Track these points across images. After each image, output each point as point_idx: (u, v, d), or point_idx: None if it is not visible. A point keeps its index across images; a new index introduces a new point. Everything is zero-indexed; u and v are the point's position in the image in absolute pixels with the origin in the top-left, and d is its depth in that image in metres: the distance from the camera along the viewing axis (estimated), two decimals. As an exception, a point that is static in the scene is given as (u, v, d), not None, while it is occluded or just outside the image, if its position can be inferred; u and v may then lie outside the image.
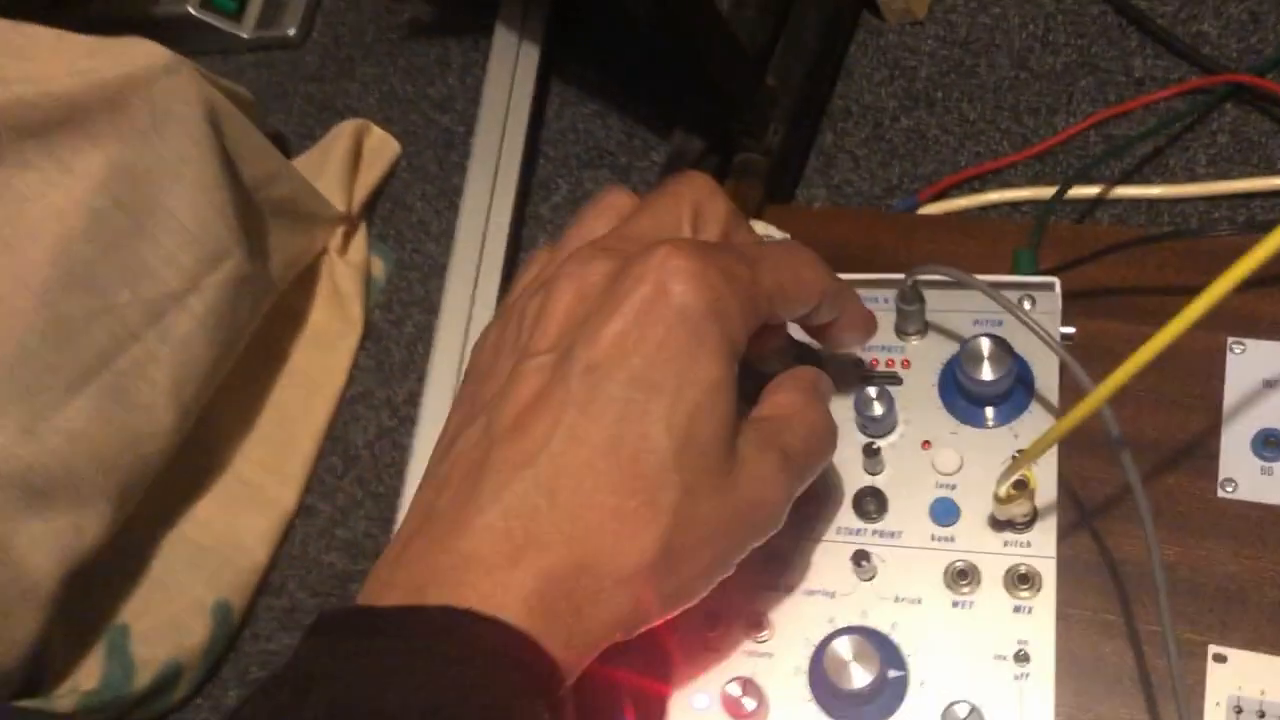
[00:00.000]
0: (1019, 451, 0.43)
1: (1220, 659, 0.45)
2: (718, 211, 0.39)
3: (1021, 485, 0.40)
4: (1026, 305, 0.46)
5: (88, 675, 0.63)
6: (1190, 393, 0.50)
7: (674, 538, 0.33)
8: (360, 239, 0.76)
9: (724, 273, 0.34)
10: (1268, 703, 0.44)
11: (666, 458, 0.32)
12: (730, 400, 0.34)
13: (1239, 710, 0.44)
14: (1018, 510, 0.42)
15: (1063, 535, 0.48)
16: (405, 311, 0.75)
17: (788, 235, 0.56)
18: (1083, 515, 0.49)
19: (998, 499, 0.41)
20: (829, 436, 0.39)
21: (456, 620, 0.30)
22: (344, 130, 0.78)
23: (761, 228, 0.56)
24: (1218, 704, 0.44)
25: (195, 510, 0.69)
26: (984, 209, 0.66)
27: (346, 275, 0.74)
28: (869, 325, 0.43)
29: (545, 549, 0.31)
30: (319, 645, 0.31)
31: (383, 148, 0.79)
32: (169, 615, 0.66)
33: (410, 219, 0.78)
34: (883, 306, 0.48)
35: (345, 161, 0.76)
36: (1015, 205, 0.66)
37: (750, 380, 0.39)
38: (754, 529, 0.36)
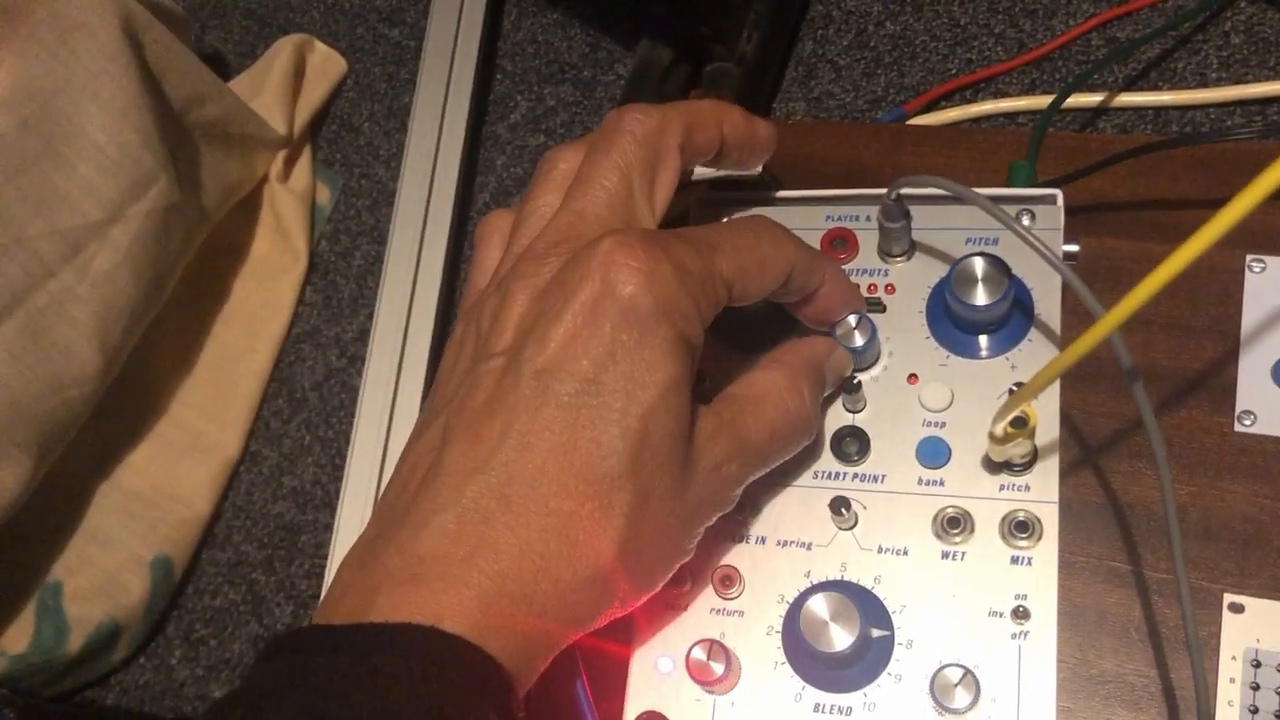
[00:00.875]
0: (1017, 385, 0.38)
1: (1237, 608, 0.41)
2: (665, 159, 0.37)
3: (1020, 423, 0.36)
4: (1025, 221, 0.41)
5: (17, 637, 0.59)
6: (1205, 316, 0.45)
7: (629, 540, 0.32)
8: (304, 164, 0.71)
9: (675, 266, 0.33)
10: (1289, 656, 0.40)
11: (620, 462, 0.32)
12: (685, 397, 0.33)
13: (1257, 664, 0.40)
14: (1016, 451, 0.37)
15: (1065, 476, 0.44)
16: (353, 242, 0.69)
17: (761, 149, 0.51)
18: (1087, 453, 0.44)
19: (993, 439, 0.37)
20: (801, 429, 0.37)
21: (403, 634, 0.29)
22: (284, 47, 0.72)
23: (732, 142, 0.51)
24: (1234, 657, 0.40)
25: (131, 459, 0.64)
26: (977, 121, 0.61)
27: (289, 204, 0.69)
28: (849, 298, 0.40)
29: (498, 553, 0.31)
30: (271, 666, 0.30)
31: (327, 65, 0.73)
32: (105, 571, 0.61)
33: (357, 142, 0.72)
34: (865, 226, 0.43)
35: (286, 81, 0.70)
36: (1010, 116, 0.61)
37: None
38: (702, 518, 0.35)
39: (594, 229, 0.34)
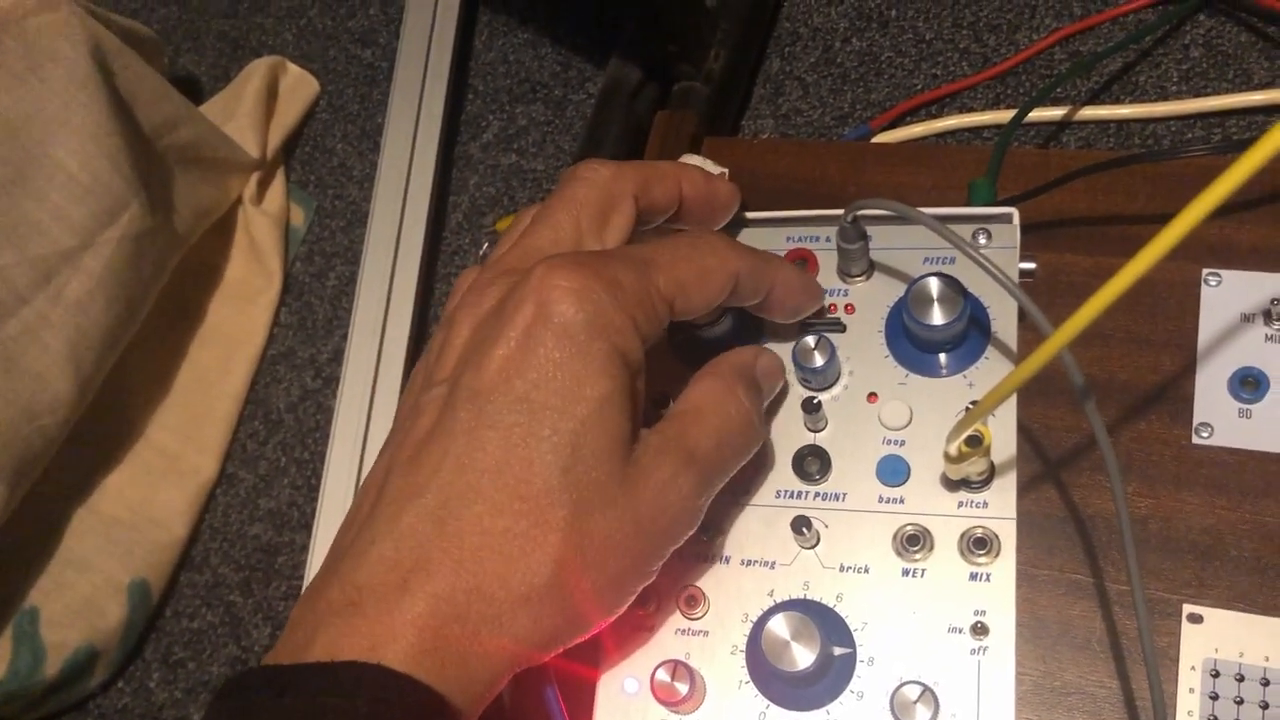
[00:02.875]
0: (973, 403, 0.39)
1: (1196, 619, 0.41)
2: (617, 204, 0.37)
3: (975, 442, 0.36)
4: (982, 240, 0.42)
5: (-7, 664, 0.59)
6: (1162, 330, 0.46)
7: (568, 555, 0.32)
8: (278, 186, 0.71)
9: (608, 283, 0.33)
10: (1246, 665, 0.40)
11: (553, 477, 0.32)
12: (622, 412, 0.33)
13: (1216, 674, 0.40)
14: (972, 469, 0.38)
15: (1024, 490, 0.44)
16: (328, 263, 0.70)
17: (724, 170, 0.51)
18: (1046, 467, 0.45)
19: (948, 458, 0.37)
20: (746, 431, 0.37)
21: (347, 672, 0.29)
22: (257, 69, 0.72)
23: (697, 161, 0.52)
24: (1193, 668, 0.41)
25: (107, 483, 0.65)
26: (942, 135, 0.62)
27: (263, 226, 0.69)
28: (808, 293, 0.41)
29: (433, 574, 0.31)
30: (222, 707, 0.31)
31: (300, 87, 0.74)
32: (81, 596, 0.62)
33: (331, 163, 0.73)
34: (824, 246, 0.44)
35: (258, 103, 0.71)
36: (975, 131, 0.62)
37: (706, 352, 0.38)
38: (662, 536, 0.35)
39: (536, 260, 0.35)
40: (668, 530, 0.35)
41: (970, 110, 0.62)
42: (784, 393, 0.42)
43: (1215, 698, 0.40)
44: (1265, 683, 0.40)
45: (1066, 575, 0.43)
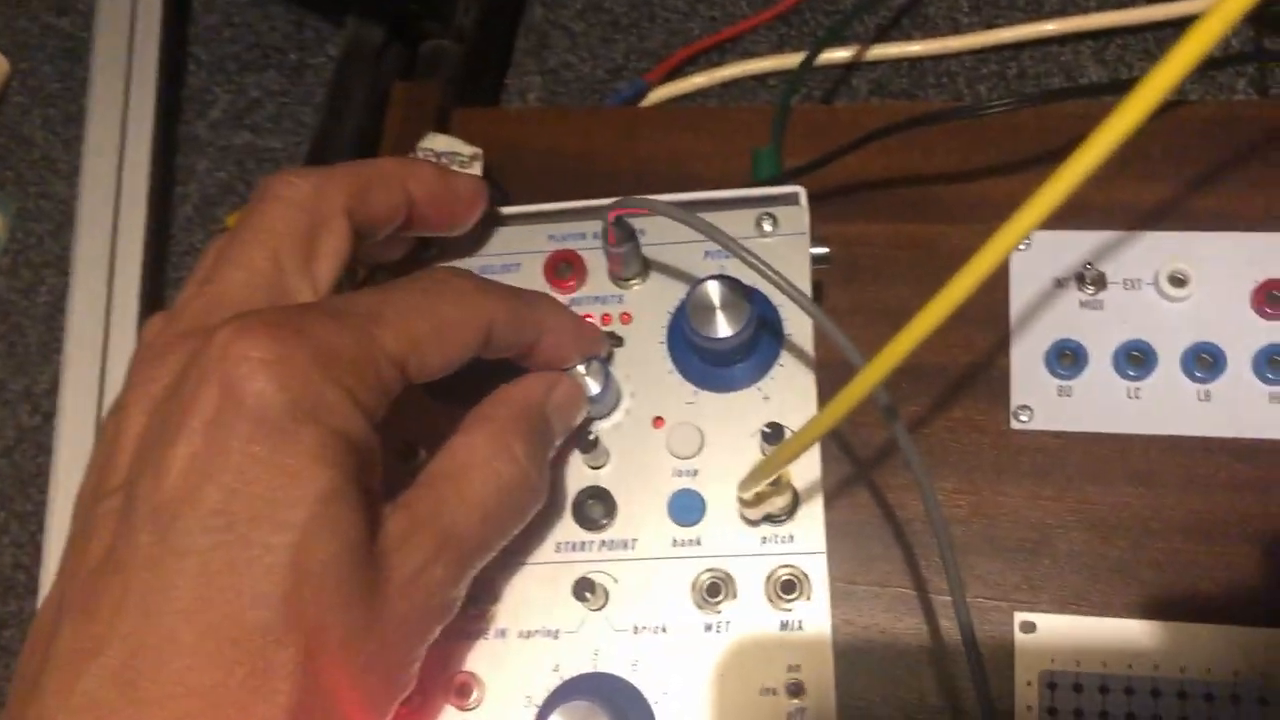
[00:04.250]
0: (769, 426, 0.33)
1: (1028, 628, 0.38)
2: (326, 225, 0.31)
3: (774, 480, 0.31)
4: (767, 228, 0.36)
5: None
6: (974, 305, 0.40)
7: (307, 698, 0.25)
8: (-34, 187, 0.60)
9: (314, 350, 0.26)
10: (1084, 674, 0.37)
11: (272, 611, 0.25)
12: (351, 507, 0.26)
13: (1053, 686, 0.37)
14: (772, 507, 0.33)
15: (834, 497, 0.40)
16: (36, 276, 0.59)
17: (478, 151, 0.44)
18: (858, 469, 0.40)
19: (744, 503, 0.32)
20: (519, 495, 0.31)
21: None
22: (-74, 47, 0.61)
23: (445, 143, 0.44)
24: (1029, 683, 0.37)
25: None
26: (726, 86, 0.56)
27: (-49, 237, 0.58)
28: (582, 341, 0.34)
29: None
30: None
31: (-17, 66, 0.62)
32: None
33: (31, 155, 0.62)
34: (592, 245, 0.37)
35: (-70, 88, 0.59)
36: (761, 79, 0.56)
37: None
38: (416, 640, 0.29)
39: (227, 314, 0.27)
40: (421, 633, 0.29)
41: (754, 56, 0.56)
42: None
43: (1053, 712, 0.37)
44: (1104, 690, 0.37)
45: (889, 588, 0.39)
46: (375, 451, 0.28)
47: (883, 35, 0.55)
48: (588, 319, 0.36)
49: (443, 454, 0.31)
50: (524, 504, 0.31)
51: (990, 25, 0.55)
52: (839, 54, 0.54)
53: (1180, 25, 0.53)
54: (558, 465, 0.35)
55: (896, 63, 0.55)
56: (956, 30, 0.55)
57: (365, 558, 0.27)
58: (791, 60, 0.55)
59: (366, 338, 0.28)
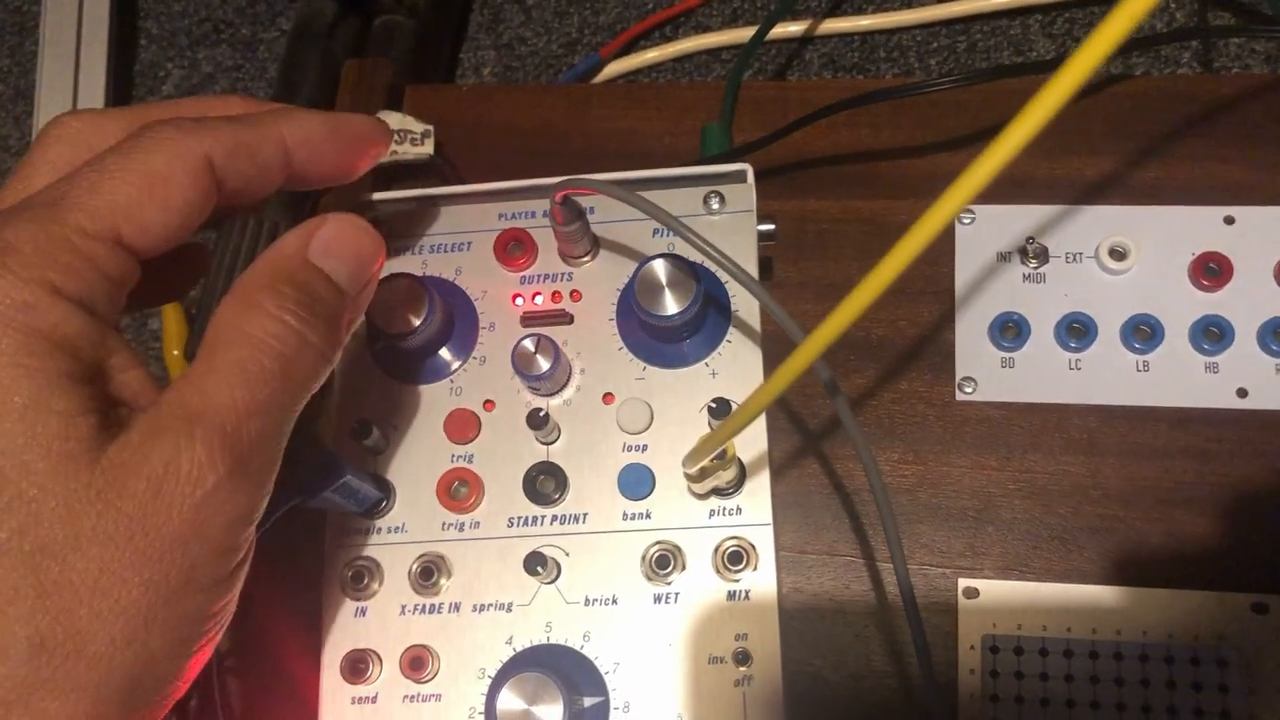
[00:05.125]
0: (715, 401, 0.34)
1: (972, 594, 0.39)
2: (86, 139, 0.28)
3: (719, 455, 0.32)
4: (715, 205, 0.37)
5: None
6: (919, 278, 0.42)
7: (46, 622, 0.23)
8: (-86, 165, 0.59)
9: None
10: (1025, 638, 0.38)
11: None
12: (60, 413, 0.23)
13: (995, 650, 0.38)
14: (718, 481, 0.33)
15: (784, 469, 0.41)
16: (-11, 254, 0.59)
17: (429, 128, 0.44)
18: (808, 441, 0.41)
19: (689, 479, 0.32)
20: (285, 353, 0.27)
21: None
22: None
23: (397, 120, 0.44)
24: (972, 647, 0.38)
25: None
26: (679, 60, 0.56)
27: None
28: (343, 134, 0.31)
29: None
30: None
31: (-72, 41, 0.62)
32: None
33: (-20, 133, 0.61)
34: (542, 223, 0.38)
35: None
36: (714, 53, 0.56)
37: None
38: (194, 550, 0.25)
39: None
40: (197, 541, 0.25)
41: (707, 30, 0.56)
42: (507, 407, 0.36)
43: (996, 675, 0.38)
44: (1044, 653, 0.38)
45: (837, 556, 0.40)
46: (102, 341, 0.25)
47: (835, 10, 0.56)
48: (536, 295, 0.37)
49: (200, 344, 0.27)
50: (295, 361, 0.27)
51: (941, 0, 0.55)
52: (791, 28, 0.54)
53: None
54: (506, 445, 0.36)
55: (848, 37, 0.55)
56: (908, 5, 0.55)
57: (89, 459, 0.24)
58: (744, 35, 0.55)
59: (52, 222, 0.25)
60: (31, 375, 0.23)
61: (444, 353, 0.36)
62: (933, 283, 0.42)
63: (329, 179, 0.32)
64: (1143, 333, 0.40)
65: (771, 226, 0.37)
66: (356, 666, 0.34)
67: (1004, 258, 0.42)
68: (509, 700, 0.31)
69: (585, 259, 0.37)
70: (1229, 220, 0.41)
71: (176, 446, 0.24)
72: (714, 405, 0.34)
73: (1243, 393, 0.39)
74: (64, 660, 0.23)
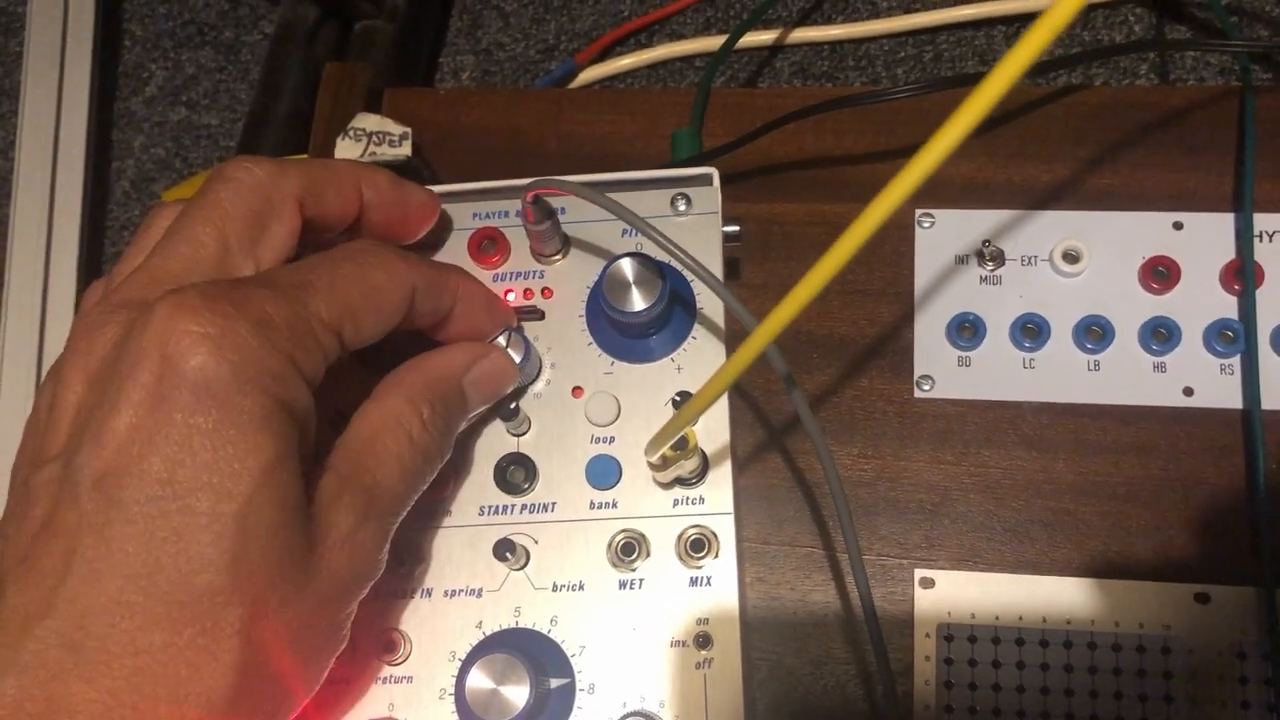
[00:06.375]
0: (679, 395, 0.35)
1: (927, 583, 0.40)
2: (276, 211, 0.31)
3: (680, 444, 0.33)
4: (681, 207, 0.38)
5: None
6: (879, 278, 0.44)
7: (252, 656, 0.27)
8: (-101, 162, 0.60)
9: (253, 322, 0.27)
10: (978, 626, 0.39)
11: (219, 573, 0.26)
12: (291, 473, 0.28)
13: (949, 638, 0.40)
14: (681, 470, 0.35)
15: (747, 463, 0.42)
16: (-28, 253, 0.60)
17: (407, 130, 0.45)
18: (772, 435, 0.42)
19: (653, 466, 0.34)
20: (426, 459, 0.32)
21: None
22: None
23: (376, 122, 0.45)
24: (928, 635, 0.40)
25: None
26: (653, 67, 0.58)
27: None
28: (493, 313, 0.36)
29: (77, 713, 0.25)
30: None
31: (-86, 40, 0.62)
32: None
33: (-35, 131, 0.62)
34: (515, 223, 0.39)
35: None
36: (688, 60, 0.58)
37: None
38: (349, 597, 0.30)
39: (167, 288, 0.28)
40: (354, 590, 0.31)
41: (682, 37, 0.57)
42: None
43: (950, 662, 0.39)
44: (996, 640, 0.39)
45: (798, 548, 0.41)
46: (312, 417, 0.29)
47: (805, 19, 0.57)
48: (509, 293, 0.38)
49: (358, 419, 0.32)
50: (428, 465, 0.33)
51: (908, 10, 0.57)
52: (762, 37, 0.56)
53: (1093, 8, 0.56)
54: (476, 436, 0.37)
55: (818, 45, 0.56)
56: (876, 15, 0.57)
57: (303, 521, 0.28)
58: (717, 42, 0.56)
59: (302, 305, 0.28)
60: (273, 438, 0.27)
61: (418, 347, 0.38)
62: (893, 284, 0.43)
63: None
64: (1094, 333, 0.41)
65: (736, 228, 0.38)
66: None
67: (962, 260, 0.43)
68: (478, 680, 0.32)
69: (556, 257, 0.38)
70: (1178, 226, 0.43)
71: (357, 519, 0.30)
72: (678, 399, 0.35)
73: (1189, 391, 0.41)
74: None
